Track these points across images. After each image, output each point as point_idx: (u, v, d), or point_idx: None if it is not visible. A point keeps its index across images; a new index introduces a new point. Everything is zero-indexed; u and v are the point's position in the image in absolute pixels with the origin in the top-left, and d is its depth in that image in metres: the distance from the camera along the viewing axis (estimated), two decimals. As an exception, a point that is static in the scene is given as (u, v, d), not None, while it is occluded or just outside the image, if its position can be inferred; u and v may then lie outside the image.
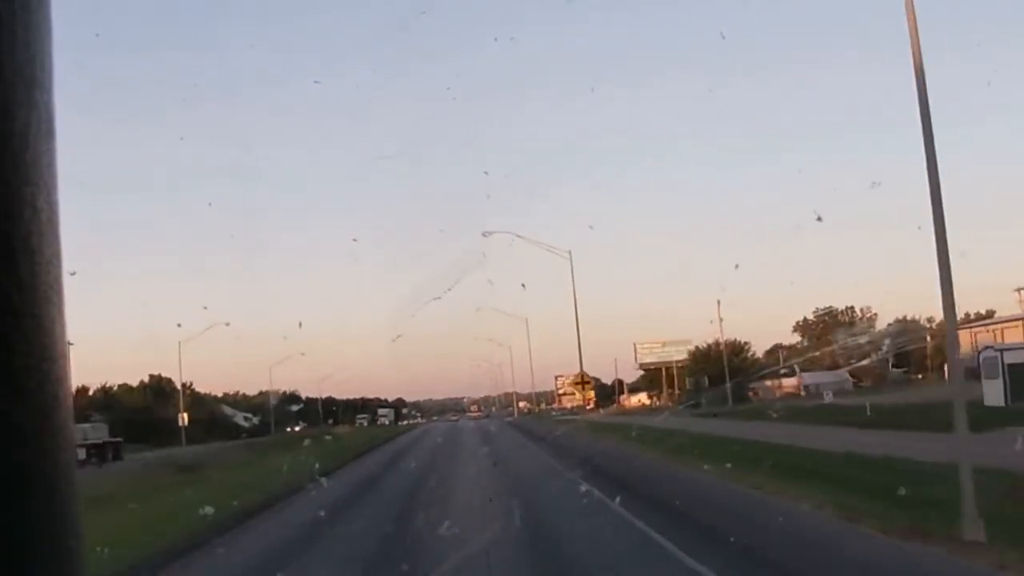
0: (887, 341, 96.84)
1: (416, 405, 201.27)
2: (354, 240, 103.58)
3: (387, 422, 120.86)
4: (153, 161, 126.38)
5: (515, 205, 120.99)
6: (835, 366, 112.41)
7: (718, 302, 69.75)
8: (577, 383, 36.70)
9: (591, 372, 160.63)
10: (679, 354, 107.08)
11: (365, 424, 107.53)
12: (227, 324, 60.61)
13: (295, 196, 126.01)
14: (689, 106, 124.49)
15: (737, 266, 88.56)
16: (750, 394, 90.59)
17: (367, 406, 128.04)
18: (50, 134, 0.80)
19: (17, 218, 0.75)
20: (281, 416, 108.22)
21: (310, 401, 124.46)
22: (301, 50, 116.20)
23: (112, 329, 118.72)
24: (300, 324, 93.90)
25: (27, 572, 0.75)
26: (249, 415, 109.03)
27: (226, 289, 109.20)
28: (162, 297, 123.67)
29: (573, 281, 40.16)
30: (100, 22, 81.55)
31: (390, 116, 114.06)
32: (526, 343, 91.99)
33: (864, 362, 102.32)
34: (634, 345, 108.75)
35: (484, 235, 36.74)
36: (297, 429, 74.58)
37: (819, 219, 51.28)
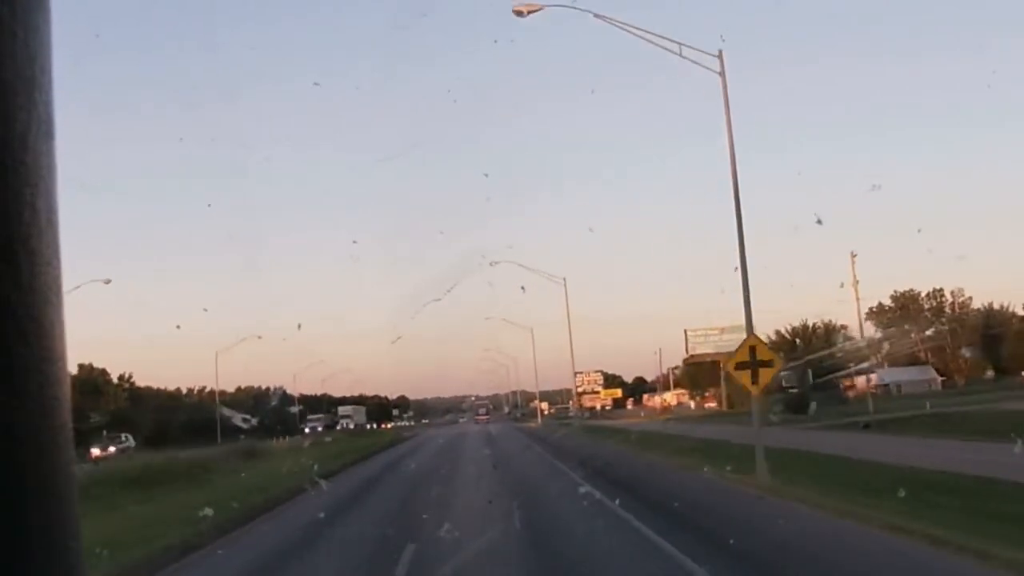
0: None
1: (422, 404, 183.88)
2: (354, 242, 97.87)
3: (351, 426, 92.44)
4: (153, 161, 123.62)
5: (517, 206, 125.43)
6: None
7: (852, 256, 48.00)
8: (742, 362, 15.25)
9: (611, 370, 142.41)
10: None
11: (319, 428, 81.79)
12: (107, 281, 41.92)
13: (295, 197, 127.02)
14: (691, 106, 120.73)
15: (736, 268, 74.36)
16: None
17: (314, 406, 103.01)
18: (49, 135, 0.79)
19: (17, 219, 0.75)
20: (281, 417, 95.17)
21: (306, 399, 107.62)
22: (301, 52, 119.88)
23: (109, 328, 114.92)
24: (299, 326, 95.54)
25: (27, 572, 0.74)
26: (248, 416, 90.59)
27: (225, 289, 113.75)
28: (160, 296, 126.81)
29: (734, 174, 19.09)
30: (100, 23, 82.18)
31: (390, 118, 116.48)
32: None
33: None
34: (684, 332, 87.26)
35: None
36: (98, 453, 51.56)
37: (819, 222, 46.12)
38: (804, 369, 61.62)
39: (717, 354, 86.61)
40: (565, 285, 45.18)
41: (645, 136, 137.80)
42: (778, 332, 75.23)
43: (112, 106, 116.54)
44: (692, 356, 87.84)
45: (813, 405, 51.73)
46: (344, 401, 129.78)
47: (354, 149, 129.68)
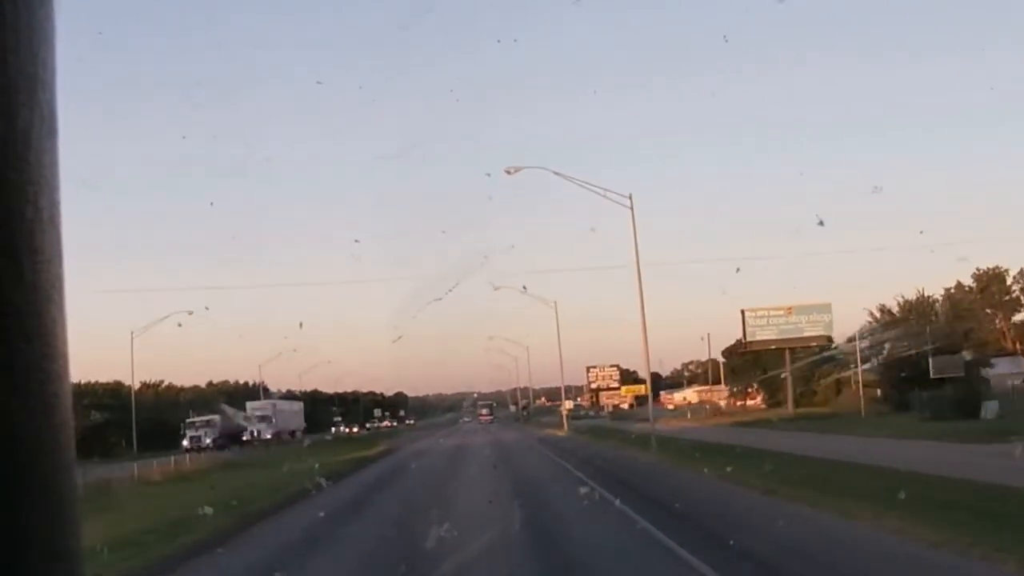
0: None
1: (423, 400, 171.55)
2: (356, 241, 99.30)
3: (268, 435, 63.67)
4: (155, 160, 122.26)
5: (517, 207, 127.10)
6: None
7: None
8: None
9: (626, 367, 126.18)
10: (815, 327, 68.29)
11: (208, 441, 57.36)
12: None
13: (296, 196, 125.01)
14: (691, 107, 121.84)
15: (739, 269, 68.94)
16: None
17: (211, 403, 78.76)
18: (52, 133, 0.79)
19: (19, 217, 0.74)
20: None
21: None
22: (304, 51, 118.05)
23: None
24: (300, 324, 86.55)
25: (27, 572, 0.74)
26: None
27: (226, 287, 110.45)
28: (161, 296, 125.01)
29: None
30: (103, 21, 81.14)
31: (392, 117, 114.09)
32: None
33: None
34: (742, 313, 69.60)
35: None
36: None
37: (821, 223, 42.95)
38: (948, 354, 43.68)
39: (782, 340, 69.30)
40: (631, 205, 28.01)
41: (645, 135, 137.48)
42: (882, 307, 57.63)
43: (114, 104, 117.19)
44: (750, 343, 70.23)
45: (991, 405, 34.38)
46: (334, 400, 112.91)
47: (356, 148, 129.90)
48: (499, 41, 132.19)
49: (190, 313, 53.35)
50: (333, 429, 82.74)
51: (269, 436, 62.68)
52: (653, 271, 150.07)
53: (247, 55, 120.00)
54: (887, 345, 54.97)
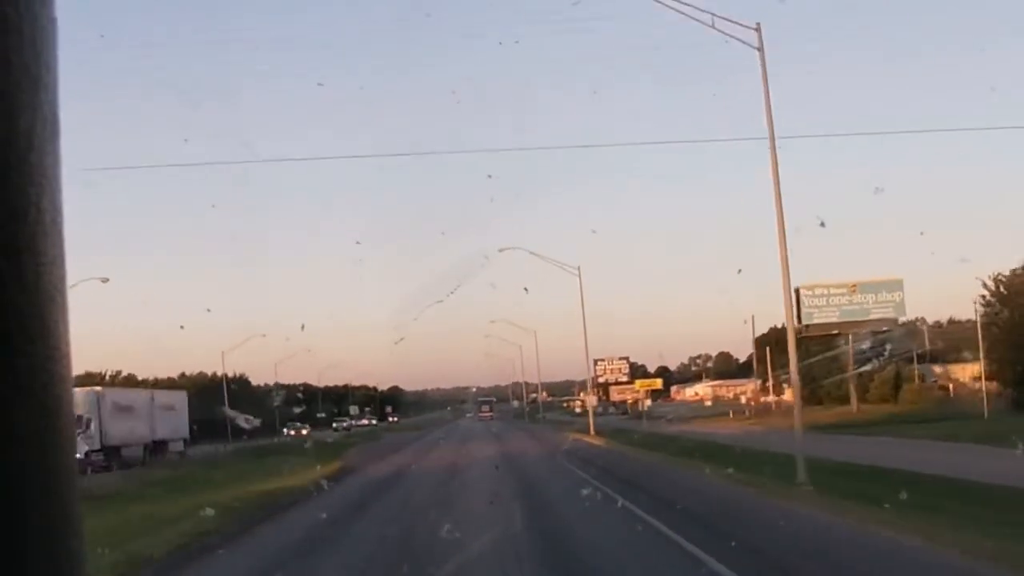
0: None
1: (422, 395, 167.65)
2: (357, 242, 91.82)
3: None
4: (156, 161, 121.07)
5: (518, 206, 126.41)
6: None
7: None
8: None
9: (633, 360, 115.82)
10: (883, 307, 57.04)
11: None
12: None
13: (298, 197, 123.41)
14: (692, 107, 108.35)
15: (740, 270, 61.96)
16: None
17: None
18: (54, 134, 0.79)
19: (22, 219, 0.75)
20: (281, 417, 78.92)
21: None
22: (305, 52, 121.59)
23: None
24: (303, 326, 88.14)
25: (27, 572, 0.74)
26: (250, 417, 68.50)
27: (227, 288, 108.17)
28: (162, 296, 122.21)
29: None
30: (105, 23, 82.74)
31: (393, 119, 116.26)
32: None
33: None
34: (796, 292, 58.05)
35: None
36: None
37: (822, 224, 38.24)
38: None
39: (844, 323, 57.90)
40: (761, 43, 16.85)
41: (645, 134, 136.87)
42: (998, 277, 45.81)
43: (116, 105, 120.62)
44: (806, 326, 58.98)
45: None
46: (320, 395, 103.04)
47: (357, 149, 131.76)
48: (500, 43, 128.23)
49: (104, 281, 43.07)
50: (286, 431, 70.81)
51: (84, 455, 35.65)
52: (654, 270, 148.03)
53: (248, 57, 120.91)
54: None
